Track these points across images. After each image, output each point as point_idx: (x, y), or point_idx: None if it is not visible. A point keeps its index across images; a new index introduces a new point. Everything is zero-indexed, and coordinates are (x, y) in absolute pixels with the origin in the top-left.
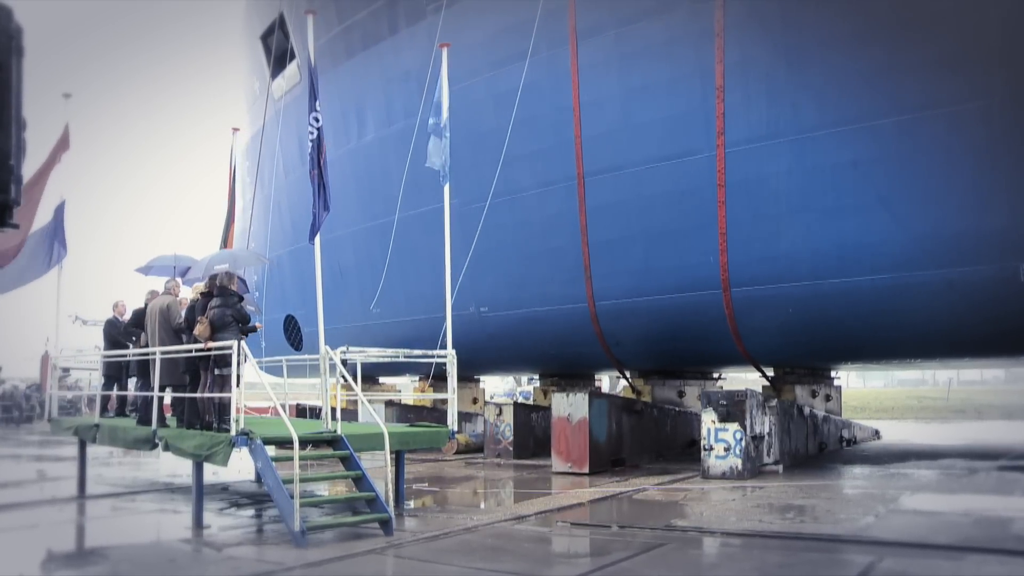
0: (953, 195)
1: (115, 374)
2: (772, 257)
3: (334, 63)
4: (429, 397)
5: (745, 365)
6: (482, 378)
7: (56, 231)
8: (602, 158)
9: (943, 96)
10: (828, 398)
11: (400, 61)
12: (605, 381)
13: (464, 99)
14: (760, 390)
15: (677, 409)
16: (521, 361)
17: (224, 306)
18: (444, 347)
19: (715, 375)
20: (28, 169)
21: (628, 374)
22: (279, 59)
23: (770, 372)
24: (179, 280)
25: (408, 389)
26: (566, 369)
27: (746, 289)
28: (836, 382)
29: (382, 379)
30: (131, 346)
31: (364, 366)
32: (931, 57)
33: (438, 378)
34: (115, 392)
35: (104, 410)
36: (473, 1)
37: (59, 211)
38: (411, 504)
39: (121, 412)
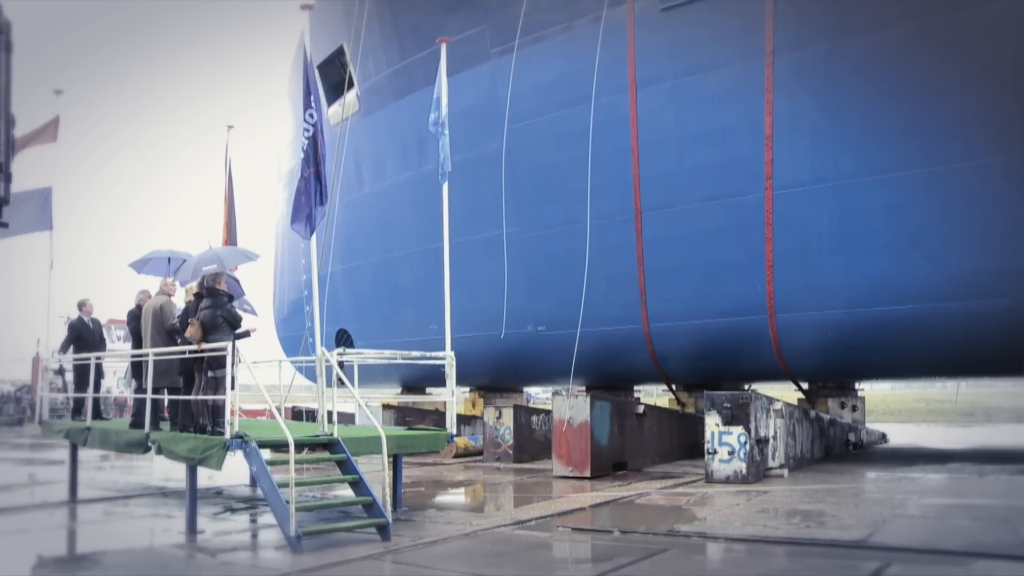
0: (977, 238)
1: (84, 378)
2: (814, 287)
3: (395, 96)
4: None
5: (781, 380)
6: (526, 389)
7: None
8: (658, 196)
9: (969, 151)
10: (854, 408)
11: (462, 98)
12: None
13: (527, 136)
14: (796, 403)
15: (681, 412)
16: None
17: (214, 307)
18: (502, 361)
19: (747, 387)
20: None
21: (673, 387)
22: (336, 88)
23: (804, 386)
24: (171, 279)
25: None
26: (611, 381)
27: (790, 315)
28: (860, 393)
29: (430, 389)
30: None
31: (411, 376)
32: (958, 117)
33: (489, 389)
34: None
35: (77, 413)
36: (537, 47)
37: (46, 196)
38: (409, 509)
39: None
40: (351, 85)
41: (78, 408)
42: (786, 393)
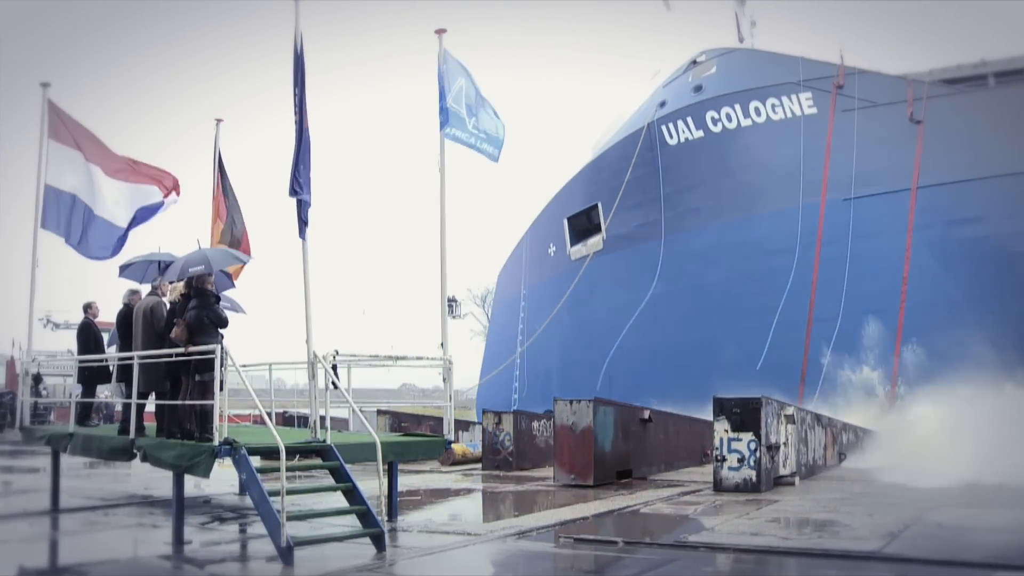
0: None
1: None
2: (925, 366)
3: (615, 248)
4: None
5: None
6: None
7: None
8: (828, 309)
9: None
10: None
11: (693, 243)
12: None
13: (736, 273)
14: None
15: (688, 417)
16: None
17: (201, 308)
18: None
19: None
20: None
21: None
22: (581, 234)
23: None
24: (165, 281)
25: None
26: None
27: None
28: None
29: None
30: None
31: None
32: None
33: None
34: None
35: (87, 419)
36: (754, 218)
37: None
38: (405, 518)
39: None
40: (597, 232)
41: (87, 414)
42: None
